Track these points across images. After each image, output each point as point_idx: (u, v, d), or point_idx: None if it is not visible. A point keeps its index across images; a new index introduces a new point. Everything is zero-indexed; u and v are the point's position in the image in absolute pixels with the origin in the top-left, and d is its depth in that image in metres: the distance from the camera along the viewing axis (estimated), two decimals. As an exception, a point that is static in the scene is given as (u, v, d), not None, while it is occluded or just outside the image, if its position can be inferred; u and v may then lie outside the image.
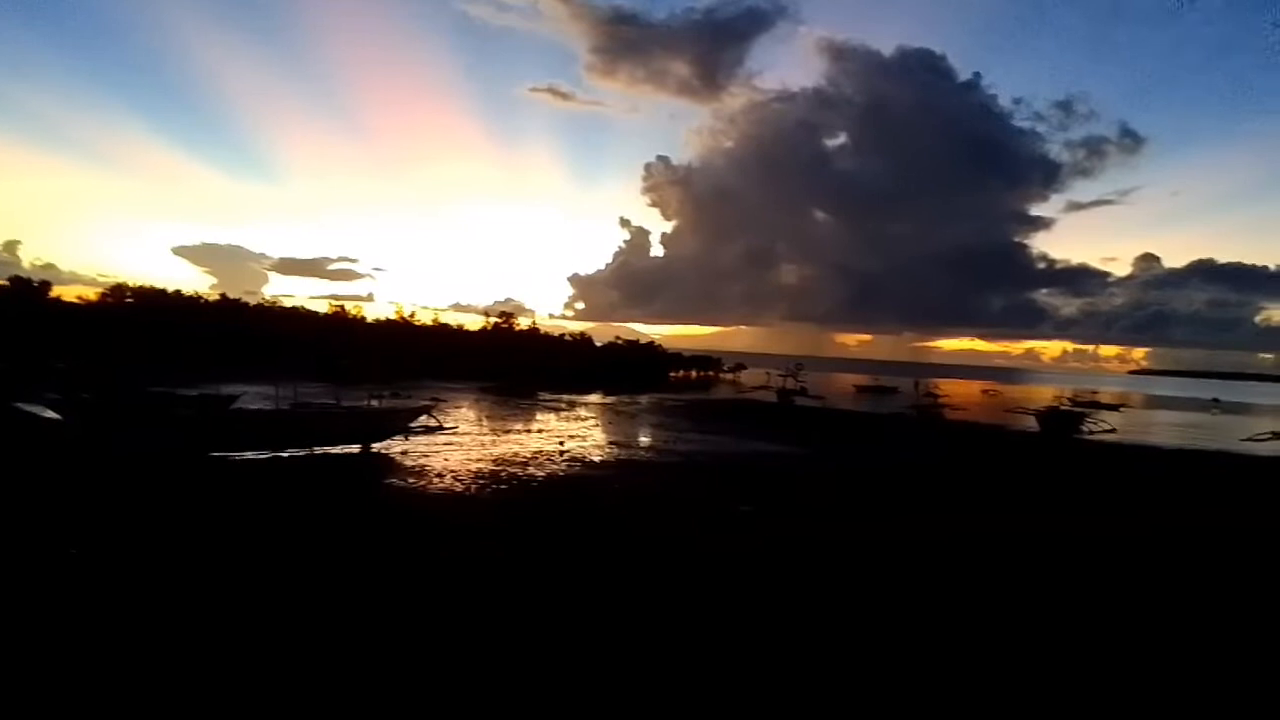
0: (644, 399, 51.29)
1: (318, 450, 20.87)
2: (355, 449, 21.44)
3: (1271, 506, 20.05)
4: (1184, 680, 7.05)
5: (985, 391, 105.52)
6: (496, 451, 22.94)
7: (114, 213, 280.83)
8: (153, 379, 31.80)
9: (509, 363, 65.11)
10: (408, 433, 23.53)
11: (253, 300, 76.22)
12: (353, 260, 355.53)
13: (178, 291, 70.78)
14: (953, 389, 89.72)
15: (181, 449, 18.98)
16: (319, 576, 9.27)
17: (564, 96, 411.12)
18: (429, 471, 18.78)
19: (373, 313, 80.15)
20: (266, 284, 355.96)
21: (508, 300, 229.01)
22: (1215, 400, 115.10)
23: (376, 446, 21.95)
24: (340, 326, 70.60)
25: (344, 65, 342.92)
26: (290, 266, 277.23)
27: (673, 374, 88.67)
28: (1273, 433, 42.31)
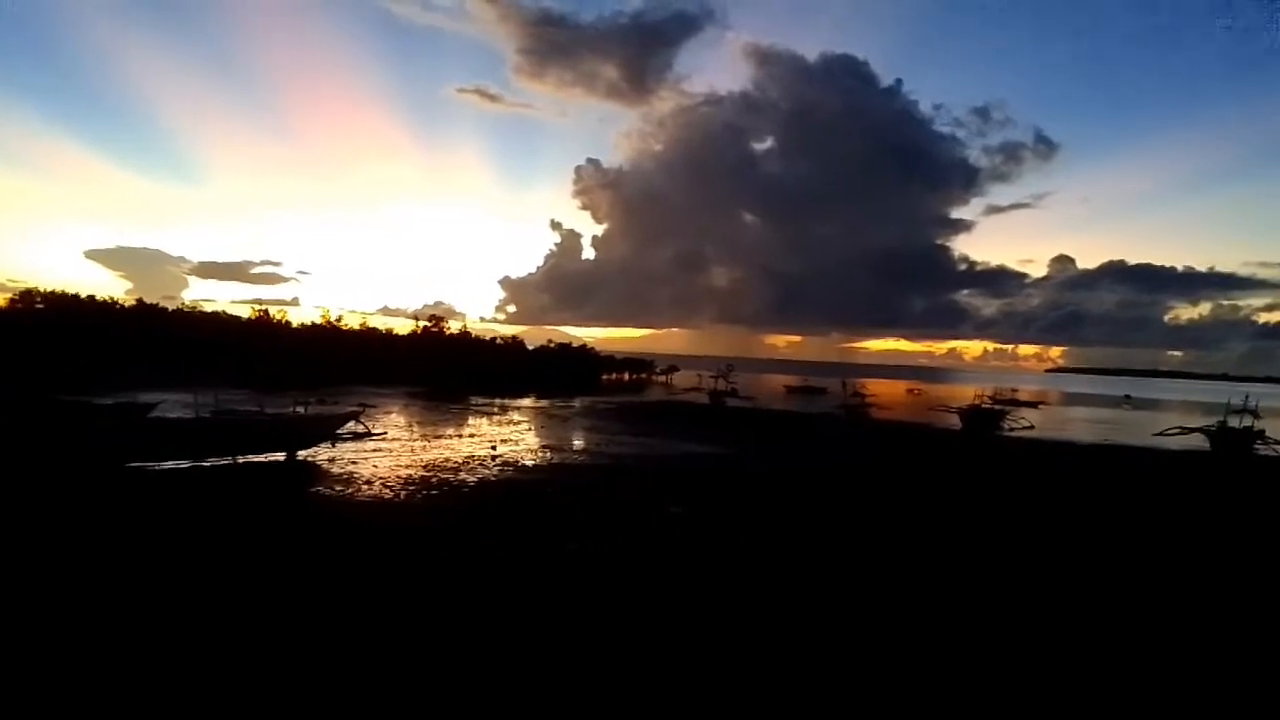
0: (577, 402, 51.18)
1: (241, 459, 20.33)
2: (280, 457, 20.94)
3: (1179, 500, 21.01)
4: (1095, 654, 7.36)
5: (910, 391, 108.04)
6: (427, 457, 22.63)
7: (22, 215, 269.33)
8: (66, 388, 30.58)
9: (439, 367, 64.31)
10: (335, 439, 23.06)
11: (171, 305, 73.82)
12: (276, 264, 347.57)
13: (91, 297, 68.04)
14: (879, 389, 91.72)
15: (97, 460, 18.30)
16: (236, 586, 9.05)
17: (492, 98, 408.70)
18: (357, 479, 18.44)
19: (298, 317, 78.26)
20: (186, 288, 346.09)
21: (438, 304, 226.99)
22: (1127, 397, 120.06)
23: (302, 454, 21.47)
24: (264, 332, 68.72)
25: (265, 64, 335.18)
26: (211, 270, 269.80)
27: (605, 377, 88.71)
28: (1181, 428, 44.26)
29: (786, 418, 49.96)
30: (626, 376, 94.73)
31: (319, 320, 75.90)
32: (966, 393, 70.83)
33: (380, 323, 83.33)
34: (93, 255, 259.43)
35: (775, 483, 20.74)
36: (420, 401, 44.03)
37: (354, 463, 20.79)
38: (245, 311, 74.86)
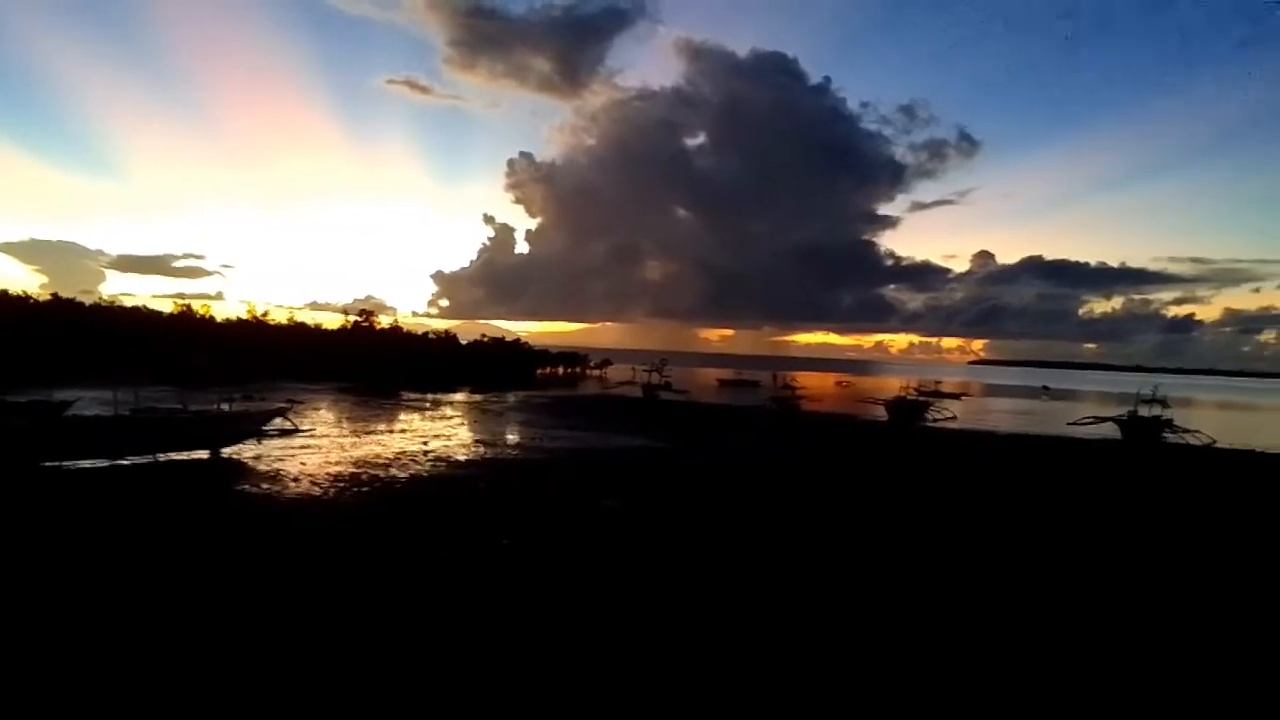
0: (511, 397, 50.94)
1: (162, 457, 19.81)
2: (204, 455, 20.47)
3: (1090, 488, 21.92)
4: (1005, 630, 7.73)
5: (839, 383, 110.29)
6: (357, 453, 22.34)
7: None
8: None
9: (370, 362, 63.30)
10: (261, 436, 22.61)
11: (89, 300, 70.84)
12: (199, 257, 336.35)
13: (4, 292, 65.08)
14: (809, 381, 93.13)
15: (9, 459, 17.65)
16: (151, 586, 8.88)
17: (422, 90, 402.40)
18: (284, 476, 18.12)
19: (223, 312, 75.59)
20: (104, 283, 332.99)
21: (368, 298, 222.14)
22: (1045, 388, 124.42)
23: (227, 452, 21.01)
24: (187, 327, 66.58)
25: (187, 52, 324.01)
26: (131, 264, 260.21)
27: (540, 371, 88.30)
28: (1094, 417, 46.06)
29: (719, 411, 50.54)
30: (560, 371, 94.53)
31: (245, 315, 73.94)
32: (893, 385, 72.60)
33: (308, 317, 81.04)
34: (4, 248, 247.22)
35: (709, 475, 21.02)
36: (350, 397, 43.32)
37: (280, 460, 20.42)
38: (167, 306, 71.90)
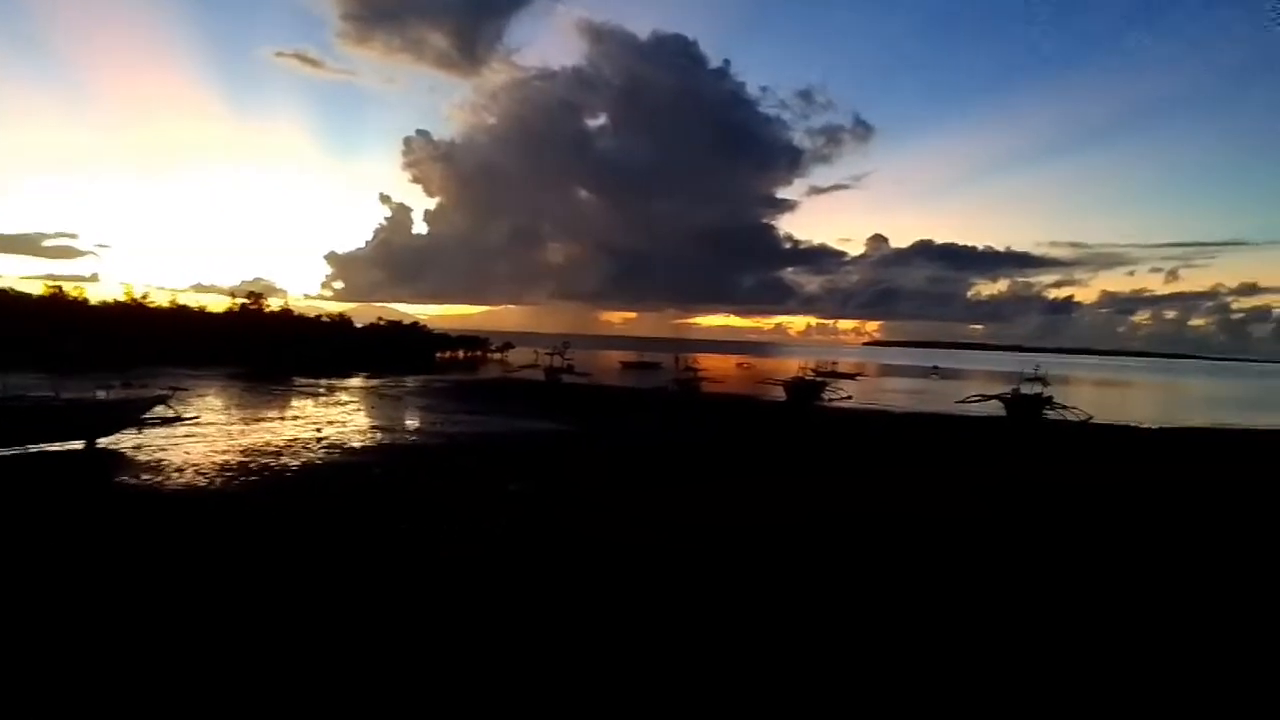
0: (409, 381, 49.88)
1: (33, 449, 18.61)
2: (79, 446, 19.32)
3: (978, 463, 22.88)
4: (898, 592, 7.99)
5: (740, 365, 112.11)
6: (245, 441, 21.46)
7: None
8: None
9: (260, 347, 61.01)
10: (141, 425, 21.46)
11: (-55, 283, 66.03)
12: (72, 236, 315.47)
13: None
14: (711, 363, 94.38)
15: None
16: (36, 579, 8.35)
17: (314, 63, 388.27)
18: (167, 466, 17.24)
19: (99, 294, 71.38)
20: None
21: (257, 280, 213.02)
22: (935, 368, 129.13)
23: (104, 442, 19.88)
24: (59, 310, 62.72)
25: (61, 20, 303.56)
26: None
27: (439, 354, 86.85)
28: (981, 396, 48.16)
29: (622, 393, 50.68)
30: (461, 354, 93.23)
31: (122, 298, 70.04)
32: (791, 366, 73.99)
33: (193, 300, 77.40)
34: None
35: (613, 458, 21.02)
36: (239, 383, 41.63)
37: (163, 450, 19.43)
38: (37, 288, 67.38)
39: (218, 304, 75.92)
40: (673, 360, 67.22)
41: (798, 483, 17.46)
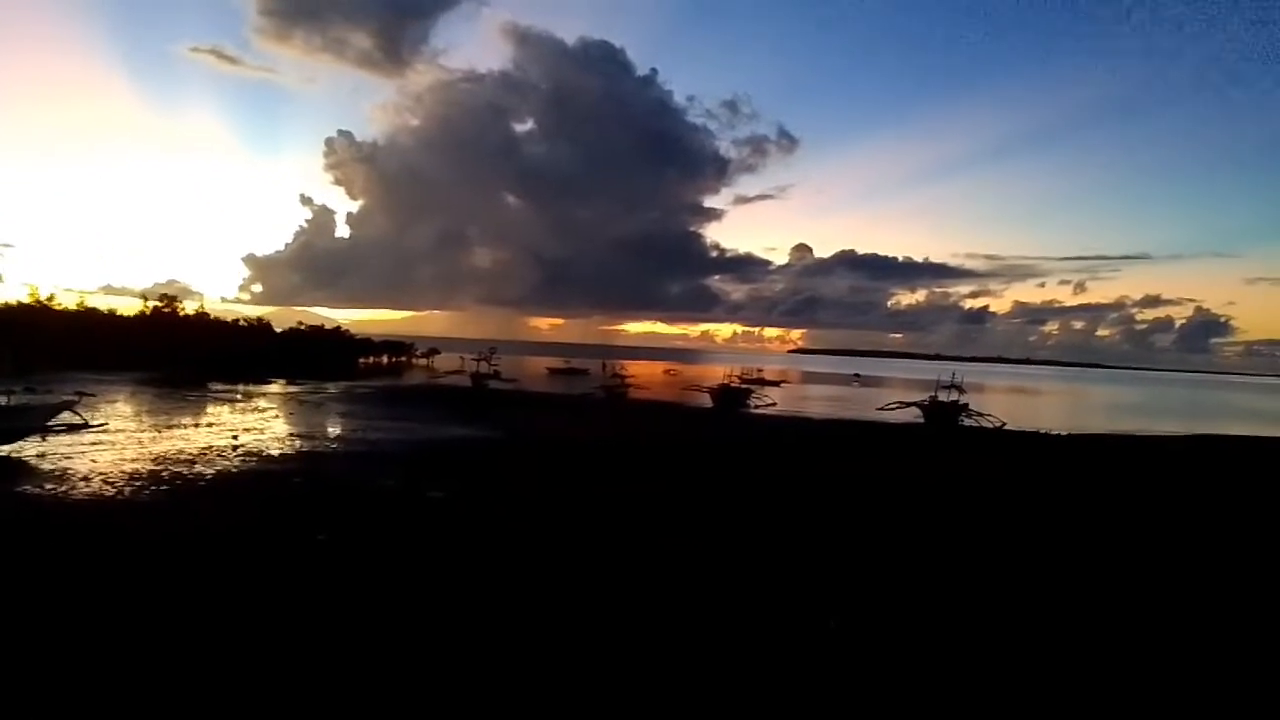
0: (331, 387, 48.82)
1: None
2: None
3: (893, 459, 23.49)
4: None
5: (667, 371, 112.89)
6: (157, 449, 20.73)
7: None
8: None
9: (173, 351, 58.98)
10: (45, 432, 20.55)
11: None
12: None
13: None
14: (638, 369, 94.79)
15: None
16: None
17: (230, 60, 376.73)
18: (72, 475, 16.53)
19: (0, 296, 67.87)
20: None
21: (171, 282, 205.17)
22: (857, 375, 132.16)
23: (4, 450, 18.99)
24: (-45, 313, 59.62)
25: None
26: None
27: (362, 360, 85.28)
28: (901, 403, 49.36)
29: (549, 399, 50.51)
30: (385, 359, 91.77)
31: (26, 299, 66.87)
32: (717, 372, 74.87)
33: (102, 302, 74.13)
34: None
35: (537, 462, 20.97)
36: (151, 389, 40.18)
37: (69, 458, 18.64)
38: (-71, 289, 63.93)
39: (129, 307, 73.05)
40: (600, 366, 67.34)
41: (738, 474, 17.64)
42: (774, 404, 52.17)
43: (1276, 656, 8.05)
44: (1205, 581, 10.97)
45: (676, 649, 7.38)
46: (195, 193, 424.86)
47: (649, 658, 7.15)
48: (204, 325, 72.22)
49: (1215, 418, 69.14)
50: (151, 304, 71.25)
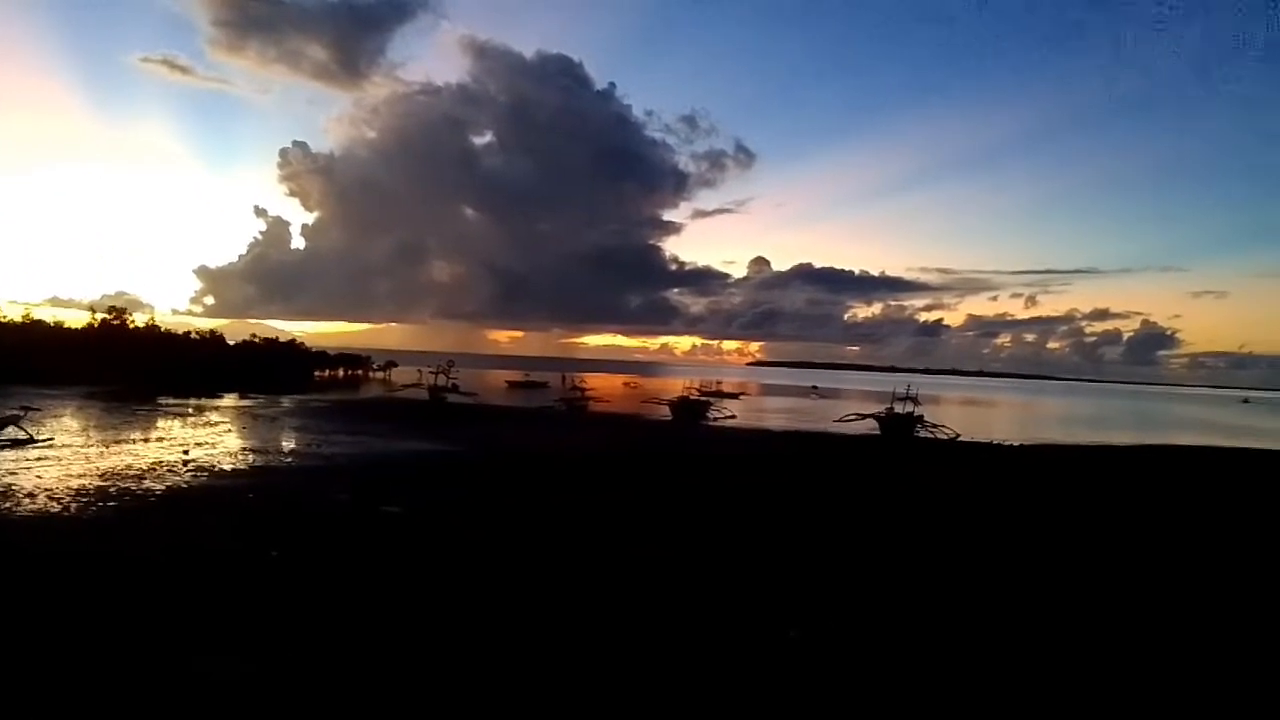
0: (285, 401, 48.16)
1: None
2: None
3: (850, 470, 23.81)
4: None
5: (626, 384, 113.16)
6: (105, 465, 20.29)
7: None
8: None
9: (123, 365, 57.77)
10: (-13, 448, 20.09)
11: None
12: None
13: None
14: (598, 382, 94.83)
15: None
16: None
17: (183, 70, 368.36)
18: (16, 491, 16.14)
19: (-59, 309, 65.81)
20: None
21: (120, 294, 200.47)
22: (814, 387, 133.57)
23: (-56, 466, 18.51)
24: (-107, 325, 57.81)
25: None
26: None
27: (318, 373, 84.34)
28: (857, 414, 49.98)
29: (508, 412, 50.35)
30: (341, 373, 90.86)
31: (-31, 312, 65.03)
32: (677, 385, 75.08)
33: (49, 315, 72.32)
34: None
35: (498, 476, 20.92)
36: (99, 403, 39.31)
37: (13, 474, 18.19)
38: None
39: (77, 319, 71.34)
40: (560, 379, 67.30)
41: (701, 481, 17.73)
42: (733, 416, 52.56)
43: (1239, 658, 8.31)
44: (1156, 587, 11.29)
45: (637, 660, 7.44)
46: (146, 204, 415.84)
47: (611, 669, 7.20)
48: (154, 338, 70.78)
49: (1162, 428, 70.93)
50: (100, 316, 69.66)
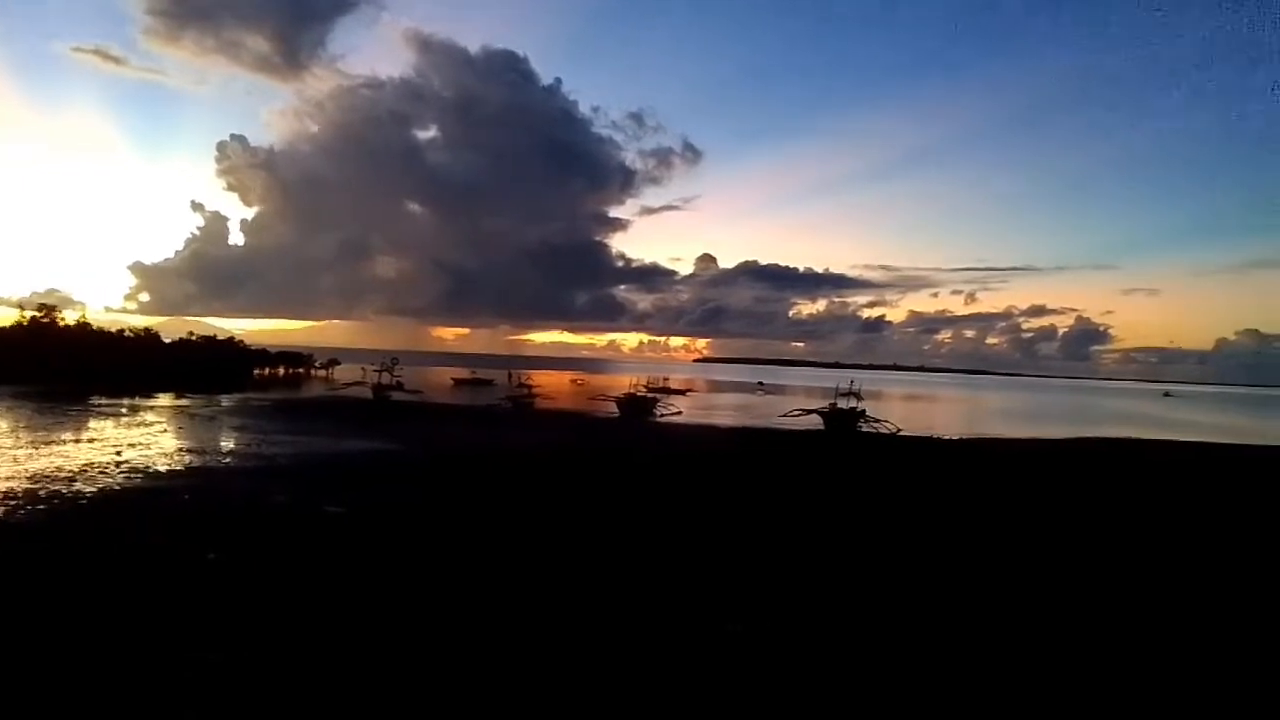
0: (224, 400, 47.17)
1: None
2: None
3: (795, 465, 24.19)
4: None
5: (574, 381, 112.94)
6: (34, 466, 19.70)
7: None
8: None
9: (53, 364, 56.05)
10: (-92, 451, 19.37)
11: None
12: None
13: None
14: (545, 380, 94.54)
15: None
16: None
17: (116, 61, 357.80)
18: (-61, 496, 15.63)
19: None
20: None
21: (50, 291, 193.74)
22: (760, 384, 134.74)
23: None
24: None
25: None
26: None
27: (258, 372, 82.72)
28: (803, 410, 50.68)
29: (454, 410, 49.98)
30: (282, 371, 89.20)
31: (-114, 309, 62.42)
32: (624, 382, 75.24)
33: (-27, 312, 69.71)
34: None
35: (443, 475, 20.83)
36: (28, 404, 38.04)
37: (-66, 478, 17.61)
38: None
39: (4, 317, 68.94)
40: (507, 377, 66.97)
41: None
42: (680, 413, 52.86)
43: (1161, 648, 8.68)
44: (1085, 571, 11.73)
45: (577, 656, 7.53)
46: (78, 198, 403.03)
47: (552, 665, 7.28)
48: (86, 336, 68.70)
49: (1090, 422, 73.06)
50: (30, 314, 67.42)
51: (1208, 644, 8.74)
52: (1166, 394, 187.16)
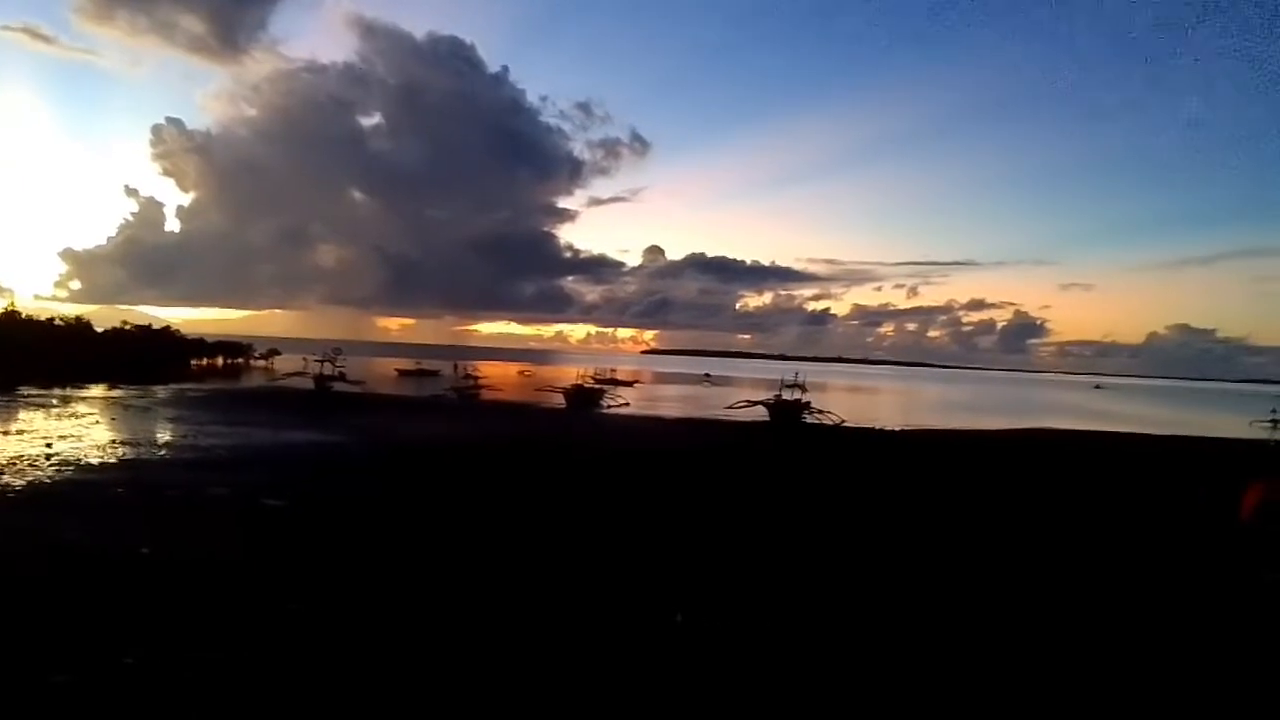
0: (160, 391, 46.02)
1: None
2: None
3: (739, 456, 24.51)
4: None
5: (521, 372, 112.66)
6: (-42, 460, 19.11)
7: None
8: None
9: (-24, 353, 54.18)
10: None
11: None
12: None
13: None
14: (492, 370, 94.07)
15: None
16: None
17: (46, 40, 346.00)
18: None
19: None
20: None
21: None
22: (707, 375, 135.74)
23: None
24: None
25: None
26: None
27: (195, 362, 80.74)
28: (748, 401, 51.27)
29: (398, 401, 49.53)
30: (220, 361, 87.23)
31: None
32: (571, 373, 75.23)
33: (-107, 300, 66.89)
34: None
35: (386, 466, 20.70)
36: (-50, 395, 36.77)
37: None
38: None
39: (-74, 306, 66.30)
40: (452, 367, 66.49)
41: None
42: (627, 404, 53.05)
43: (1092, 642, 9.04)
44: (1024, 566, 12.12)
45: (519, 650, 7.60)
46: (6, 181, 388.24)
47: (494, 660, 7.35)
48: (14, 324, 66.42)
49: (1024, 413, 75.09)
50: (-49, 302, 64.95)
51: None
52: (1097, 386, 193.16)
